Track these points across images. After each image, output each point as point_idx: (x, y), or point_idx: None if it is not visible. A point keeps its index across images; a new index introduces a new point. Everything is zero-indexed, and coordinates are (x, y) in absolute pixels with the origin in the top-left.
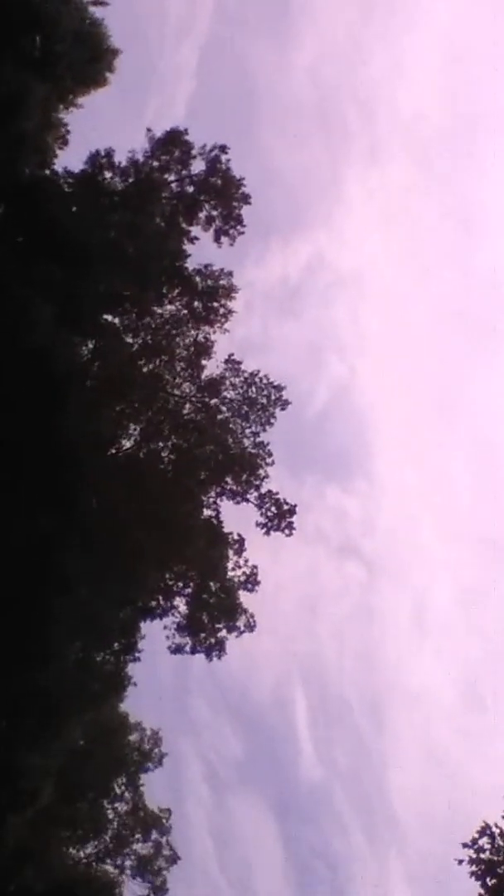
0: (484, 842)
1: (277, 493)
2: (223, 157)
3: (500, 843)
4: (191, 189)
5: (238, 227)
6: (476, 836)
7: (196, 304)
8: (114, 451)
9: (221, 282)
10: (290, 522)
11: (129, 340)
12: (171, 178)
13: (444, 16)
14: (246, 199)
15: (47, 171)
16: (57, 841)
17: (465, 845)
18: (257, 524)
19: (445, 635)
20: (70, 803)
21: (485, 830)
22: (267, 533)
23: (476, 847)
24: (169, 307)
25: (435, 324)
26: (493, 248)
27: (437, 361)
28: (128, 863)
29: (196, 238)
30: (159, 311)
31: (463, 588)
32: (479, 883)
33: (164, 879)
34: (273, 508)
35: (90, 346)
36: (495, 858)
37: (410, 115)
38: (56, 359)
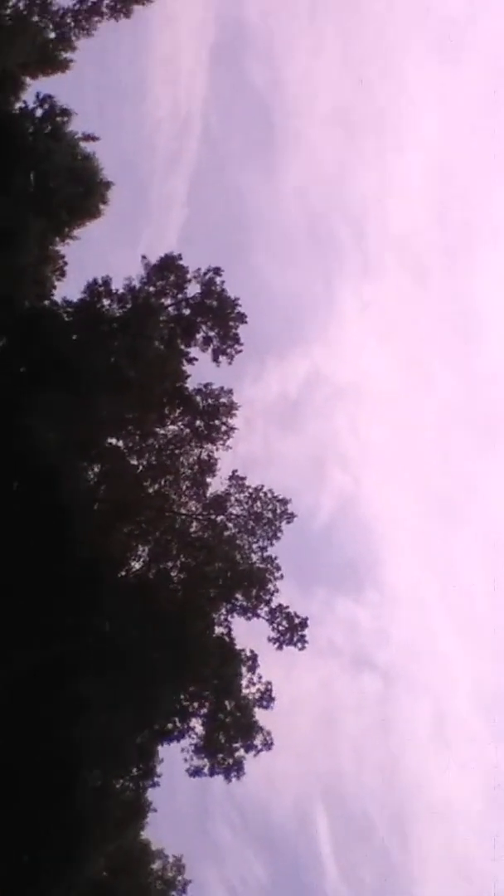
0: None
1: (288, 607)
2: (217, 280)
3: None
4: (187, 311)
5: (235, 346)
6: None
7: (198, 422)
8: (123, 572)
9: (222, 400)
10: (303, 636)
11: (134, 462)
12: (168, 301)
13: (430, 131)
14: (241, 318)
15: (46, 302)
16: None
17: None
18: (269, 639)
19: (468, 743)
20: None
21: None
22: (279, 648)
23: None
24: (171, 427)
25: (437, 429)
26: (492, 353)
27: (443, 466)
28: None
29: (195, 358)
30: (162, 431)
31: (484, 693)
32: None
33: None
34: (284, 622)
35: (96, 469)
36: None
37: (401, 228)
38: (62, 484)
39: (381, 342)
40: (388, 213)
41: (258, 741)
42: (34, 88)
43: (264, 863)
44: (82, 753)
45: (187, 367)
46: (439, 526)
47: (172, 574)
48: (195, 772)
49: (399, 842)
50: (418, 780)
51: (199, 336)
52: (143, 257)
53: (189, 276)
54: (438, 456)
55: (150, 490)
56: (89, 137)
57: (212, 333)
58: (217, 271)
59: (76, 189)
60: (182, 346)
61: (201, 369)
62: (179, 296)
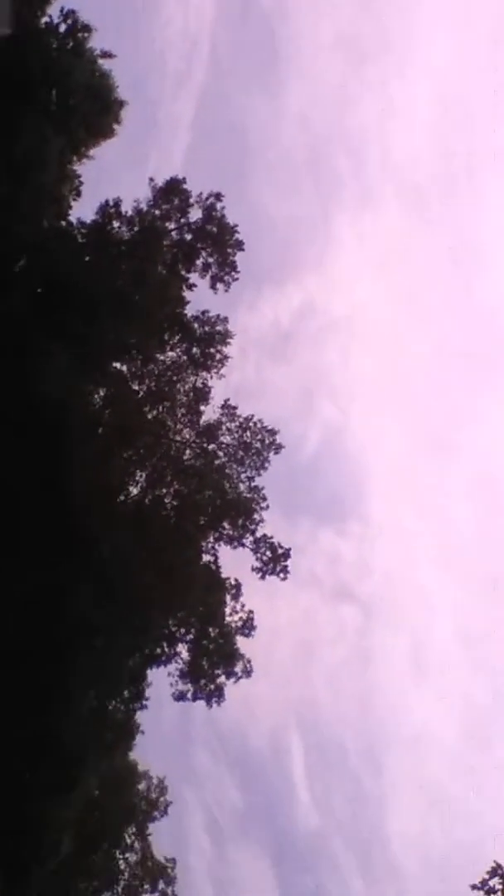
0: (495, 882)
1: (272, 538)
2: (218, 205)
3: None
4: (189, 237)
5: (232, 274)
6: (486, 876)
7: (194, 350)
8: (122, 498)
9: (218, 328)
10: (286, 566)
11: (136, 387)
12: (172, 226)
13: (434, 58)
14: (240, 245)
15: (63, 223)
16: (75, 892)
17: (474, 887)
18: (253, 569)
19: (446, 675)
20: (86, 854)
21: (496, 871)
22: (262, 577)
23: (486, 888)
24: (170, 354)
25: (429, 364)
26: (490, 287)
27: (433, 401)
28: None
29: (194, 285)
30: (161, 357)
31: (464, 627)
32: None
33: None
34: (268, 552)
35: (101, 393)
36: None
37: (402, 158)
38: (71, 408)
39: (377, 274)
40: (389, 143)
41: (239, 668)
42: (58, 2)
43: (239, 787)
44: (81, 675)
45: (186, 294)
46: (426, 460)
47: (166, 501)
48: (179, 696)
49: (372, 771)
50: (394, 710)
51: (199, 262)
52: (151, 180)
53: (192, 200)
54: (429, 391)
55: (149, 416)
56: (107, 55)
57: (211, 260)
58: (218, 197)
59: (94, 107)
60: (183, 272)
61: (198, 296)
62: (182, 220)
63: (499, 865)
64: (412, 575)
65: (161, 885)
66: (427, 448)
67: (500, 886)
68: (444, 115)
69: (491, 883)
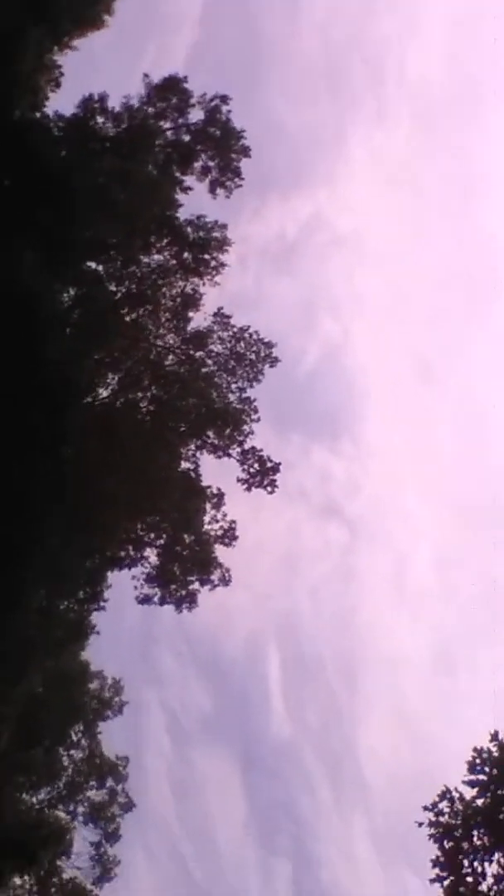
0: (444, 805)
1: (261, 450)
2: (223, 108)
3: (459, 807)
4: (187, 138)
5: (235, 180)
6: (436, 799)
7: (186, 255)
8: (90, 399)
9: (214, 234)
10: (273, 480)
11: (113, 288)
12: (167, 125)
13: None
14: (245, 151)
15: (38, 114)
16: (10, 786)
17: (425, 808)
18: (239, 480)
19: (422, 600)
20: (26, 749)
21: (445, 794)
22: (248, 489)
23: (436, 811)
24: (157, 256)
25: (432, 288)
26: (494, 214)
27: (433, 326)
28: (80, 809)
29: (189, 188)
30: (146, 259)
31: (441, 554)
32: (436, 846)
33: (118, 826)
34: (256, 465)
35: (72, 292)
36: (453, 822)
37: (416, 77)
38: (37, 304)
39: (385, 193)
40: (407, 61)
41: (216, 577)
42: None
43: (209, 693)
44: (32, 572)
45: (181, 197)
46: (420, 386)
47: (141, 405)
48: (144, 599)
49: (346, 686)
50: (372, 628)
51: (197, 165)
52: (146, 76)
53: (193, 100)
54: (428, 316)
55: (127, 318)
56: None
57: (211, 163)
58: (224, 99)
59: None
60: (177, 174)
61: (197, 201)
62: (180, 120)
63: (448, 789)
64: (399, 499)
65: (110, 783)
66: (421, 374)
67: (448, 809)
68: (463, 39)
69: (440, 806)
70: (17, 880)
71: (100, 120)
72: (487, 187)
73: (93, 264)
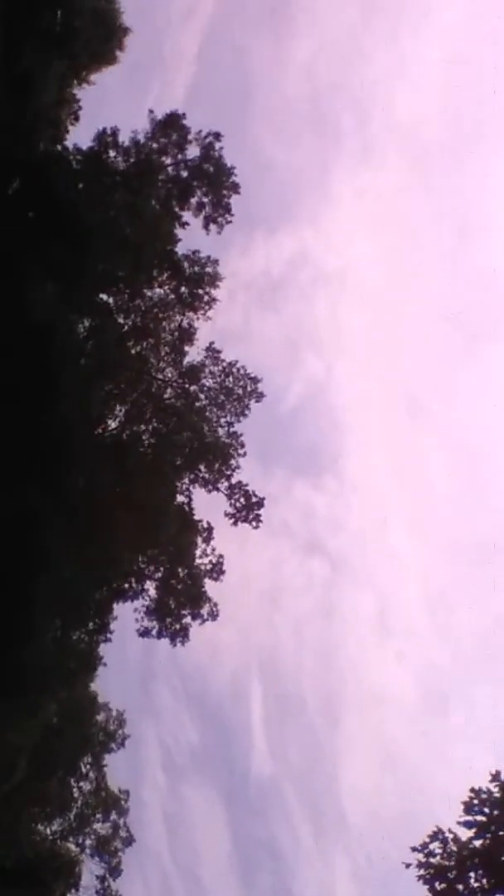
0: (435, 846)
1: (247, 485)
2: (216, 145)
3: (453, 848)
4: (185, 174)
5: (226, 216)
6: (427, 840)
7: (183, 289)
8: (100, 431)
9: (208, 269)
10: (258, 515)
11: (121, 321)
12: (168, 161)
13: (449, 19)
14: (235, 188)
15: (59, 147)
16: (27, 817)
17: (414, 849)
18: (226, 514)
19: (410, 638)
20: (41, 780)
21: (436, 835)
22: (235, 523)
23: (426, 851)
24: (158, 290)
25: (419, 327)
26: (486, 255)
27: (422, 364)
28: (88, 842)
29: (187, 223)
30: (149, 293)
31: (431, 591)
32: (426, 887)
33: (120, 861)
34: (242, 500)
35: (86, 323)
36: (446, 863)
37: (407, 117)
38: (56, 336)
39: (372, 232)
40: (395, 100)
41: (205, 611)
42: None
43: (198, 727)
44: (46, 603)
45: (179, 232)
46: (406, 424)
47: (144, 438)
48: (144, 632)
49: (328, 724)
50: (355, 666)
51: (193, 200)
52: (150, 111)
53: (190, 137)
54: (416, 355)
55: (132, 351)
56: None
57: (205, 199)
58: (217, 136)
59: (98, 31)
60: (176, 209)
61: (188, 235)
62: (179, 156)
63: (440, 830)
64: (383, 535)
65: (113, 816)
66: (407, 412)
67: (440, 850)
68: (453, 79)
69: (431, 846)
70: None
71: (111, 154)
72: (480, 226)
73: (104, 296)
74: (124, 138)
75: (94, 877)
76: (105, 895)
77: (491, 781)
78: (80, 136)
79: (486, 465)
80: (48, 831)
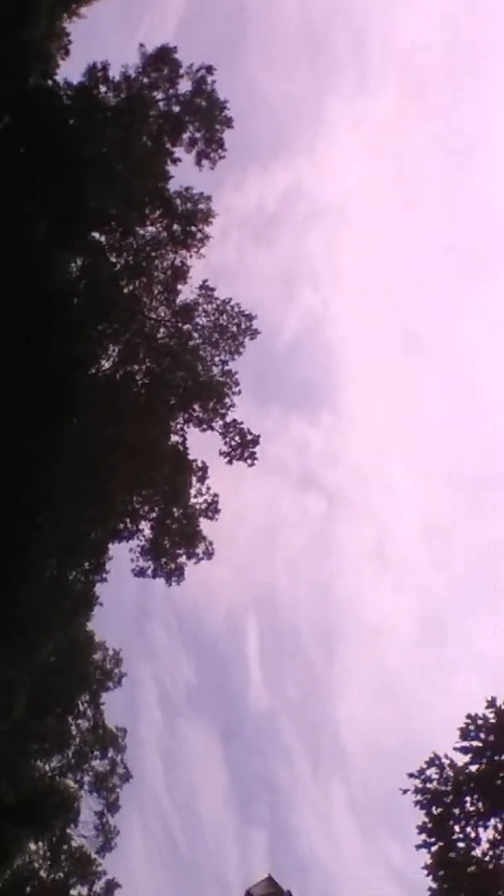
0: (432, 772)
1: (242, 423)
2: (209, 79)
3: (449, 773)
4: (177, 109)
5: (219, 151)
6: (424, 766)
7: (175, 226)
8: (94, 370)
9: (200, 206)
10: (253, 453)
11: (113, 260)
12: (160, 96)
13: None
14: (228, 122)
15: (49, 82)
16: (26, 754)
17: (411, 775)
18: (220, 453)
19: (407, 569)
20: (39, 717)
21: (433, 761)
22: (230, 462)
23: (423, 777)
24: (150, 228)
25: (416, 259)
26: (484, 185)
27: (420, 297)
28: (86, 778)
29: (179, 159)
30: (141, 231)
31: (428, 523)
32: (423, 812)
33: (117, 797)
34: (237, 438)
35: (78, 262)
36: (442, 788)
37: (406, 44)
38: (49, 276)
39: (369, 163)
40: (394, 27)
41: (200, 550)
42: None
43: (193, 664)
44: (44, 543)
45: (171, 168)
46: (403, 358)
47: (137, 378)
48: (140, 572)
49: (326, 658)
50: (352, 600)
51: (185, 136)
52: (141, 45)
53: (182, 71)
54: (413, 287)
55: (125, 291)
56: None
57: (198, 135)
58: (209, 70)
59: None
60: (168, 145)
61: (182, 172)
62: (171, 91)
63: (436, 756)
64: (380, 469)
65: (111, 753)
66: (405, 345)
67: (436, 776)
68: (453, 3)
69: (428, 772)
70: (32, 846)
71: (102, 89)
72: (481, 155)
73: (96, 235)
74: (115, 73)
75: (93, 812)
76: (103, 830)
77: (487, 708)
78: (70, 71)
79: (482, 397)
80: (47, 768)
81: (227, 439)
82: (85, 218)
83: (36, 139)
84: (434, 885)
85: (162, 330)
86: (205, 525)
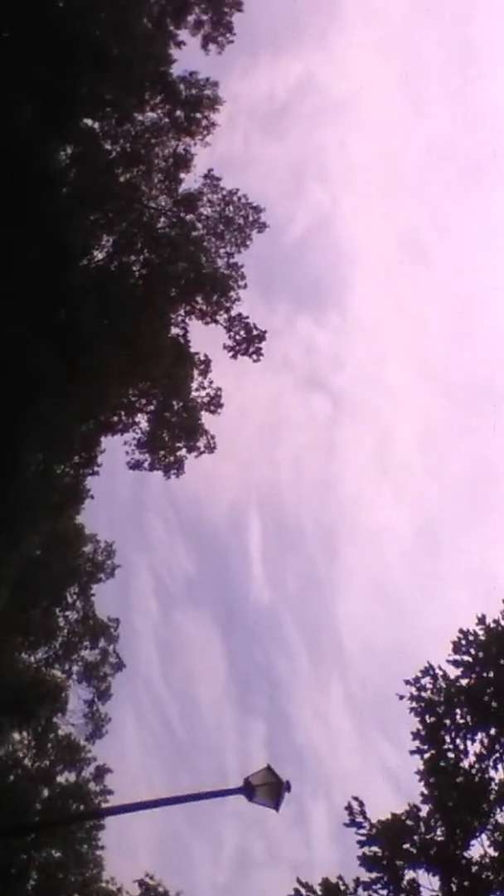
0: (426, 681)
1: (248, 318)
2: None
3: (442, 684)
4: None
5: (227, 35)
6: (419, 675)
7: (178, 113)
8: (85, 262)
9: (206, 92)
10: (259, 348)
11: (108, 147)
12: None
13: None
14: (238, 5)
15: None
16: (10, 645)
17: (407, 682)
18: (225, 347)
19: (406, 476)
20: (24, 610)
21: (428, 671)
22: (234, 356)
23: (418, 685)
24: (150, 114)
25: (426, 162)
26: (495, 88)
27: (425, 201)
28: (75, 668)
29: (183, 42)
30: (140, 117)
31: (427, 431)
32: (418, 719)
33: (109, 685)
34: (242, 332)
35: (69, 150)
36: (435, 698)
37: None
38: (35, 161)
39: (382, 59)
40: None
41: (201, 443)
42: None
43: (193, 558)
44: (30, 436)
45: (174, 51)
46: (410, 262)
47: (134, 269)
48: (135, 465)
49: (326, 555)
50: (353, 502)
51: (191, 18)
52: None
53: None
54: (422, 190)
55: (121, 179)
56: None
57: (204, 18)
58: None
59: None
60: (171, 28)
61: (188, 57)
62: None
63: (431, 666)
64: (384, 373)
65: (102, 643)
66: (411, 249)
67: (430, 685)
68: None
69: (423, 681)
70: (16, 735)
71: None
72: (490, 57)
73: (89, 121)
74: None
75: (83, 701)
76: (93, 718)
77: (477, 624)
78: None
79: (487, 305)
80: (32, 660)
81: (232, 333)
82: (77, 103)
83: (22, 20)
84: (426, 791)
85: (162, 220)
86: (207, 419)
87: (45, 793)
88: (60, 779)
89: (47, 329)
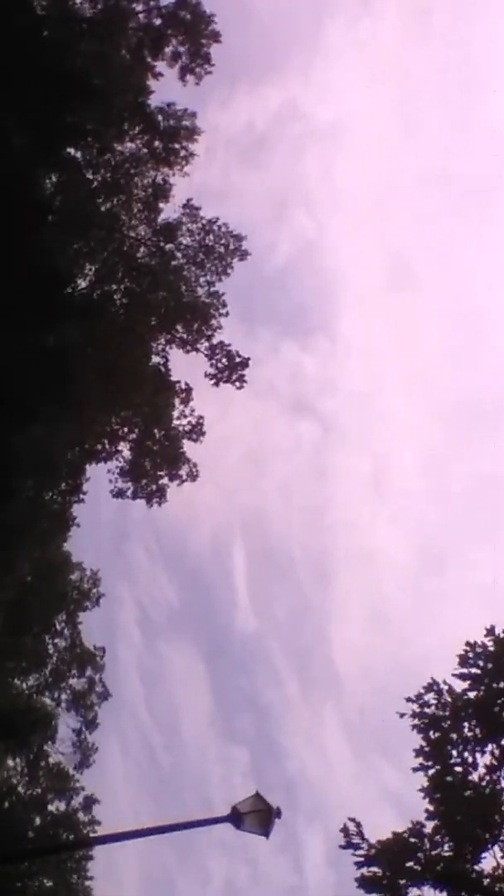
0: (430, 697)
1: (230, 345)
2: None
3: (448, 699)
4: (158, 21)
5: (205, 66)
6: (422, 691)
7: (157, 143)
8: (70, 290)
9: (184, 122)
10: (242, 375)
11: (90, 177)
12: (139, 7)
13: None
14: (215, 36)
15: None
16: (4, 671)
17: (409, 699)
18: (206, 375)
19: (405, 499)
20: (16, 636)
21: (432, 686)
22: (216, 384)
23: (421, 702)
24: (129, 145)
25: (416, 186)
26: (489, 110)
27: (414, 226)
28: (63, 696)
29: (161, 74)
30: (119, 147)
31: (427, 452)
32: (420, 736)
33: (96, 714)
34: (224, 360)
35: (53, 179)
36: (440, 713)
37: None
38: (26, 190)
39: (369, 85)
40: None
41: (184, 472)
42: None
43: (176, 587)
44: (21, 463)
45: (152, 83)
46: (401, 286)
47: (115, 298)
48: (118, 493)
49: (318, 582)
50: (346, 527)
51: (168, 50)
52: None
53: None
54: (412, 214)
55: (103, 208)
56: None
57: (181, 49)
58: None
59: None
60: (149, 59)
61: (166, 87)
62: (152, 2)
63: (435, 681)
64: (378, 397)
65: (89, 672)
66: (403, 273)
67: (434, 701)
68: None
69: (426, 697)
70: (10, 762)
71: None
72: (486, 80)
73: (72, 150)
74: None
75: (70, 730)
76: (81, 747)
77: (486, 636)
78: None
79: (481, 326)
80: (24, 686)
81: (214, 361)
82: (62, 132)
83: (7, 51)
84: (431, 808)
85: (142, 249)
86: (189, 447)
87: (38, 821)
88: (51, 807)
89: (38, 355)
